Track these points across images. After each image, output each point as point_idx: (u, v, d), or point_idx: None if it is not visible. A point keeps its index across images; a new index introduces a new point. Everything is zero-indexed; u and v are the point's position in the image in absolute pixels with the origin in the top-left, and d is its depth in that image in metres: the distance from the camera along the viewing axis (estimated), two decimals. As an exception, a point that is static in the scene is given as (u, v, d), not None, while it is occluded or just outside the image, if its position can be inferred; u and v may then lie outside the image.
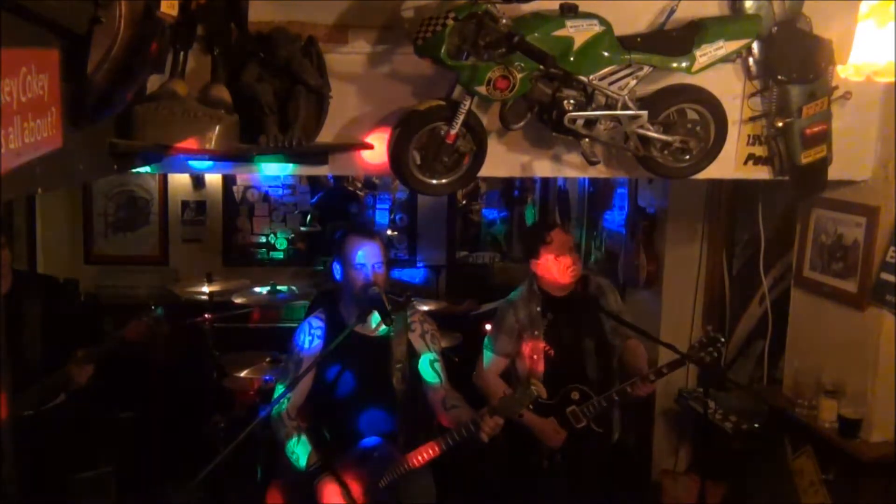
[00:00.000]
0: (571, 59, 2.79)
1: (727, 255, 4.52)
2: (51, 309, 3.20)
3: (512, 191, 7.30)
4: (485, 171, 3.01)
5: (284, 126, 2.72)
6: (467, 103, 2.76)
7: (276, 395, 3.03)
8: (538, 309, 3.47)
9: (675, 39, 2.94)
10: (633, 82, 2.91)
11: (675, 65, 2.92)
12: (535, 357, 3.46)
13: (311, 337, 3.05)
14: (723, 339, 3.13)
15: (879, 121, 3.33)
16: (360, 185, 6.67)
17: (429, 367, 3.06)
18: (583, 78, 2.84)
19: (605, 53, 2.83)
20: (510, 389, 3.44)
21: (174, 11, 2.15)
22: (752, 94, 3.17)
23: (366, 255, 2.96)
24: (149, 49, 1.97)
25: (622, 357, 3.57)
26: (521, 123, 2.95)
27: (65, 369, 3.07)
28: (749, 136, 3.23)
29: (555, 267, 3.43)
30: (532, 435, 3.38)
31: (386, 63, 2.96)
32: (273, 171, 3.21)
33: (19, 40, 1.47)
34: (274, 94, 2.72)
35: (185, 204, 6.45)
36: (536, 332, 3.46)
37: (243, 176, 6.42)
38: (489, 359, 3.59)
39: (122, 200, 6.35)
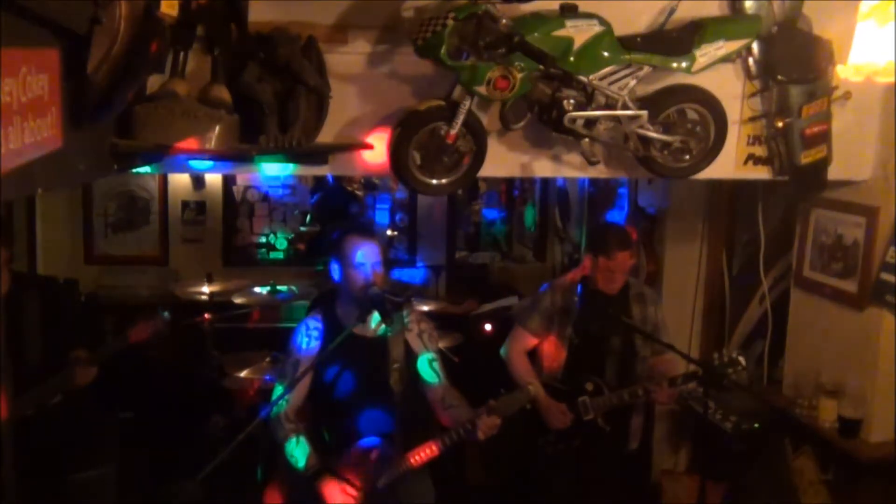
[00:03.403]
0: (571, 59, 2.79)
1: (727, 255, 4.51)
2: (50, 310, 3.20)
3: (512, 191, 7.31)
4: (485, 171, 3.01)
5: (284, 126, 2.72)
6: (467, 103, 2.76)
7: (274, 397, 3.03)
8: (575, 298, 3.49)
9: (675, 39, 2.94)
10: (633, 82, 2.91)
11: (675, 65, 2.92)
12: (559, 343, 3.50)
13: (308, 338, 3.05)
14: (744, 364, 3.10)
15: (879, 121, 3.33)
16: (356, 185, 6.67)
17: (427, 367, 3.06)
18: (583, 78, 2.84)
19: (605, 53, 2.83)
20: (529, 371, 3.52)
21: (174, 11, 2.16)
22: (752, 94, 3.17)
23: (365, 255, 2.95)
24: (149, 49, 1.97)
25: (653, 370, 3.55)
26: (521, 123, 2.95)
27: (67, 371, 3.06)
28: (749, 136, 3.23)
29: (601, 277, 3.41)
30: (540, 418, 3.40)
31: (386, 63, 2.96)
32: (273, 171, 3.20)
33: (19, 40, 1.46)
34: (274, 94, 2.72)
35: (185, 204, 6.44)
36: (567, 320, 3.49)
37: (243, 176, 6.41)
38: (518, 333, 3.63)
39: (122, 200, 6.34)
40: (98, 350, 3.12)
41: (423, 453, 2.85)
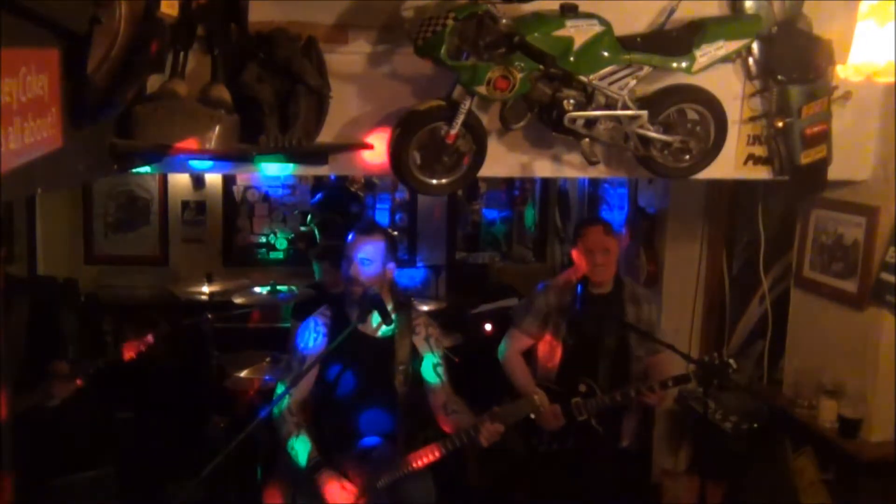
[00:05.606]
0: (571, 59, 2.79)
1: (727, 255, 4.51)
2: (47, 311, 3.19)
3: (512, 191, 7.30)
4: (485, 171, 3.01)
5: (284, 126, 2.72)
6: (467, 103, 2.76)
7: (278, 392, 3.03)
8: (570, 298, 3.49)
9: (675, 39, 2.94)
10: (633, 82, 2.91)
11: (675, 65, 2.92)
12: (554, 344, 3.50)
13: (315, 334, 3.05)
14: (734, 366, 3.10)
15: (879, 121, 3.33)
16: (357, 185, 6.66)
17: (431, 370, 3.06)
18: (583, 78, 2.84)
19: (605, 53, 2.83)
20: (527, 374, 3.52)
21: (174, 11, 2.16)
22: (752, 94, 3.17)
23: (366, 253, 2.95)
24: (149, 49, 1.97)
25: (648, 369, 3.56)
26: (521, 123, 2.95)
27: (46, 384, 3.05)
28: (749, 136, 3.23)
29: (583, 261, 3.46)
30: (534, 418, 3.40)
31: (386, 63, 2.96)
32: (273, 171, 3.20)
33: (19, 40, 1.46)
34: (274, 94, 2.72)
35: (185, 204, 6.44)
36: (561, 320, 3.49)
37: (243, 176, 6.41)
38: (513, 335, 3.64)
39: (122, 200, 6.34)
40: (77, 366, 3.10)
41: (426, 457, 2.85)
